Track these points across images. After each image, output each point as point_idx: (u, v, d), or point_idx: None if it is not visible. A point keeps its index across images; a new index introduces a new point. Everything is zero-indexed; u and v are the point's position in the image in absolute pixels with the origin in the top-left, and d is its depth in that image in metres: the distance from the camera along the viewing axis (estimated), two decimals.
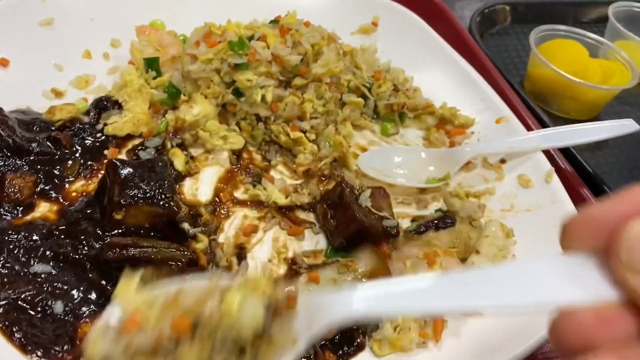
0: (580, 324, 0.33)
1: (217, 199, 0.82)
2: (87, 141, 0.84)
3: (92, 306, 0.65)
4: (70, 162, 0.80)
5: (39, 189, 0.76)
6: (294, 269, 0.75)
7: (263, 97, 0.86)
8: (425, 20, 1.20)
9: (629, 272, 0.32)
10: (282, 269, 0.75)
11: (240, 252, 0.75)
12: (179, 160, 0.82)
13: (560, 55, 1.16)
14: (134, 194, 0.71)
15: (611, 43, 1.27)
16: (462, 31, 1.22)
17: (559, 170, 0.90)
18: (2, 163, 0.76)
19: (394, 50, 1.11)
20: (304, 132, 0.89)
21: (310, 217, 0.83)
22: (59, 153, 0.80)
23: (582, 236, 0.35)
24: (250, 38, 0.89)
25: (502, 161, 0.94)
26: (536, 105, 1.13)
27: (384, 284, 0.43)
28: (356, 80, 0.98)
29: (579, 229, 0.35)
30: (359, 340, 0.68)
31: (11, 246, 0.68)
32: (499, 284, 0.37)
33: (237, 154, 0.89)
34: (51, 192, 0.77)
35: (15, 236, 0.69)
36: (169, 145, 0.84)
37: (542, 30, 1.22)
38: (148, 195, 0.72)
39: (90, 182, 0.79)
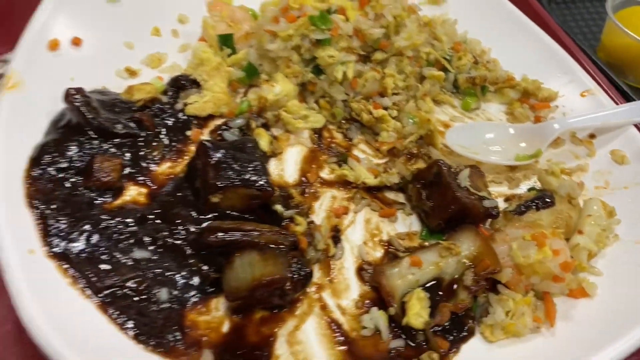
0: None
1: (304, 180, 0.79)
2: (168, 122, 0.81)
3: (196, 292, 0.64)
4: (154, 143, 0.78)
5: (126, 172, 0.74)
6: (390, 251, 0.73)
7: (344, 74, 0.82)
8: None
9: None
10: (378, 252, 0.73)
11: (336, 235, 0.73)
12: (264, 140, 0.80)
13: None
14: (229, 175, 0.68)
15: None
16: None
17: None
18: (88, 146, 0.74)
19: (467, 21, 1.06)
20: (386, 109, 0.85)
21: (399, 197, 0.80)
22: (143, 135, 0.78)
23: None
24: (327, 11, 0.85)
25: (592, 136, 0.89)
26: (614, 75, 1.08)
27: None
28: (436, 52, 0.93)
29: None
30: (468, 325, 0.66)
31: (109, 232, 0.66)
32: None
33: (317, 133, 0.86)
34: (138, 175, 0.74)
35: (111, 222, 0.67)
36: (253, 125, 0.81)
37: None
38: (243, 177, 0.69)
39: (176, 163, 0.77)
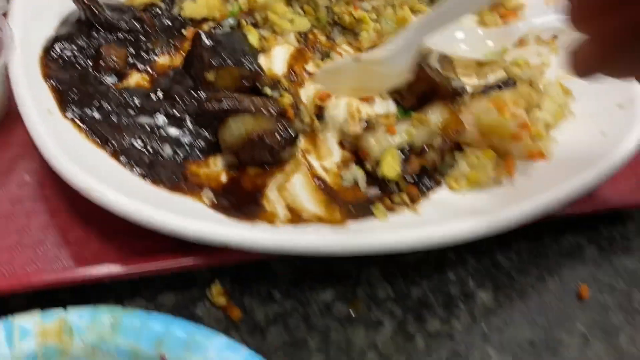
0: None
1: (292, 71, 0.87)
2: (166, 23, 0.89)
3: (195, 151, 0.72)
4: (154, 39, 0.86)
5: (131, 62, 0.82)
6: (369, 127, 0.81)
7: None
8: None
9: None
10: (358, 127, 0.81)
11: (320, 112, 0.81)
12: (253, 36, 0.87)
13: None
14: (222, 56, 0.77)
15: None
16: None
17: None
18: (96, 39, 0.82)
19: None
20: (366, 11, 0.94)
21: None
22: (144, 31, 0.86)
23: None
24: None
25: (555, 37, 0.98)
26: None
27: None
28: None
29: None
30: (436, 179, 0.74)
31: (118, 102, 0.74)
32: None
33: (303, 36, 0.94)
34: (141, 64, 0.83)
35: (119, 96, 0.76)
36: (244, 23, 0.89)
37: None
38: (234, 59, 0.77)
39: (175, 57, 0.85)
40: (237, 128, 0.69)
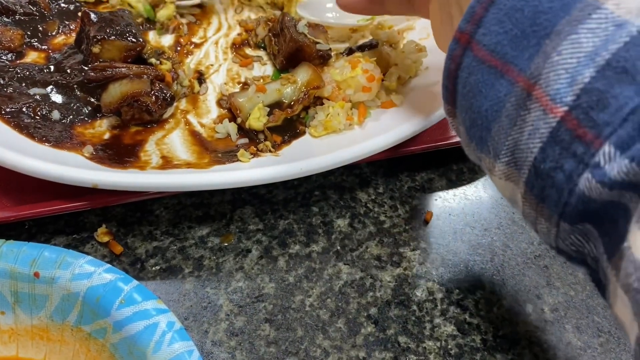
0: None
1: (178, 43, 0.97)
2: (62, 5, 0.98)
3: (82, 116, 0.82)
4: (49, 20, 0.95)
5: (27, 41, 0.91)
6: (245, 87, 0.92)
7: None
8: None
9: None
10: (236, 89, 0.92)
11: (200, 77, 0.92)
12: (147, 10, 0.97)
13: None
14: (107, 31, 0.86)
15: None
16: None
17: None
18: None
19: None
20: None
21: (258, 53, 0.99)
22: (39, 14, 0.95)
23: None
24: None
25: None
26: None
27: None
28: None
29: None
30: (299, 129, 0.86)
31: (11, 75, 0.83)
32: None
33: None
34: (37, 44, 0.92)
35: (13, 70, 0.85)
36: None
37: None
38: (118, 32, 0.87)
39: (69, 36, 0.94)
40: (114, 91, 0.80)
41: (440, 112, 0.84)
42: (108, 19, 0.89)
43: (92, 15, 0.88)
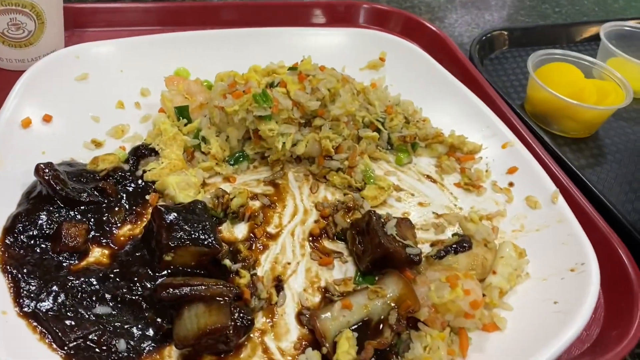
0: None
1: (252, 235, 0.89)
2: (129, 188, 0.91)
3: (151, 342, 0.72)
4: (116, 208, 0.88)
5: (91, 235, 0.83)
6: (327, 296, 0.82)
7: (283, 145, 0.94)
8: (429, 50, 1.29)
9: None
10: (316, 297, 0.82)
11: (278, 284, 0.82)
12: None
13: (557, 79, 1.24)
14: (180, 236, 0.78)
15: (604, 63, 1.35)
16: (463, 59, 1.30)
17: (563, 190, 0.97)
18: (57, 214, 0.83)
19: (402, 84, 1.19)
20: (337, 170, 0.99)
21: (338, 247, 0.90)
22: (106, 201, 0.88)
23: None
24: (271, 85, 0.97)
25: (511, 184, 1.01)
26: (537, 126, 1.21)
27: None
28: (370, 116, 1.06)
29: None
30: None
31: (74, 291, 0.75)
32: None
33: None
34: (102, 238, 0.84)
35: (76, 282, 0.76)
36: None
37: (539, 56, 1.30)
38: (193, 236, 0.79)
39: (136, 225, 0.87)
40: (190, 322, 0.70)
41: (557, 347, 0.73)
42: (182, 217, 0.81)
43: (164, 213, 0.80)
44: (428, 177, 1.05)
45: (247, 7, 1.39)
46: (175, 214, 0.81)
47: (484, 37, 1.44)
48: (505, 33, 1.48)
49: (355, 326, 0.77)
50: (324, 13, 1.42)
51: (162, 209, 0.81)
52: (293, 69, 1.02)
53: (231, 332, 0.71)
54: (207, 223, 0.82)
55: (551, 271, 0.85)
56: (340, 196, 0.98)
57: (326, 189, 1.00)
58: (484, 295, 0.81)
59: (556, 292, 0.82)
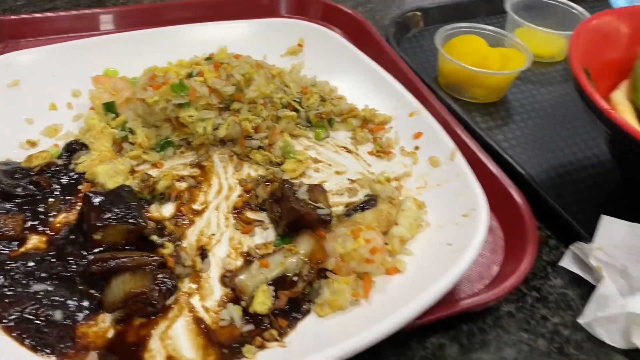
0: None
1: (179, 212, 0.98)
2: (63, 180, 0.99)
3: (85, 311, 0.81)
4: (51, 199, 0.95)
5: (28, 225, 0.91)
6: (248, 259, 0.91)
7: (204, 129, 1.03)
8: (349, 34, 1.39)
9: None
10: (239, 261, 0.91)
11: (203, 253, 0.91)
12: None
13: (462, 50, 1.34)
14: (107, 216, 0.86)
15: (510, 33, 1.46)
16: (380, 40, 1.40)
17: (465, 149, 1.07)
18: None
19: (320, 66, 1.29)
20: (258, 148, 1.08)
21: (260, 216, 0.99)
22: (40, 194, 0.95)
23: None
24: (190, 75, 1.06)
25: (416, 148, 1.11)
26: (448, 96, 1.31)
27: None
28: (287, 97, 1.15)
29: None
30: (304, 307, 0.84)
31: (12, 273, 0.83)
32: None
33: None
34: (39, 226, 0.91)
35: (15, 265, 0.84)
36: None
37: (446, 30, 1.40)
38: (119, 216, 0.87)
39: (70, 213, 0.94)
40: (117, 289, 0.79)
41: (448, 279, 0.83)
42: (109, 199, 0.89)
43: (93, 197, 0.89)
44: (345, 148, 1.15)
45: (175, 6, 1.47)
46: (103, 198, 0.89)
47: (399, 19, 1.54)
48: (419, 13, 1.58)
49: (273, 282, 0.86)
50: (248, 6, 1.51)
51: (91, 194, 0.89)
52: (209, 59, 1.10)
53: (156, 295, 0.80)
54: (133, 203, 0.90)
55: (448, 219, 0.96)
56: (263, 172, 1.07)
57: (250, 166, 1.09)
58: (386, 243, 0.91)
59: (451, 235, 0.92)
